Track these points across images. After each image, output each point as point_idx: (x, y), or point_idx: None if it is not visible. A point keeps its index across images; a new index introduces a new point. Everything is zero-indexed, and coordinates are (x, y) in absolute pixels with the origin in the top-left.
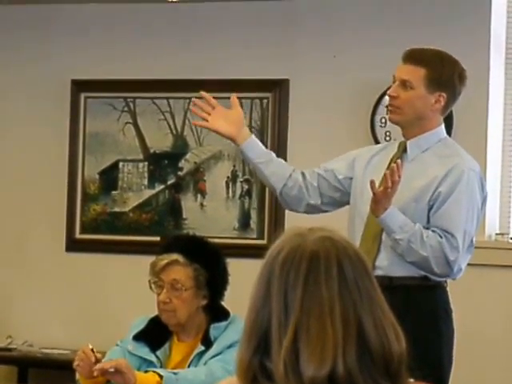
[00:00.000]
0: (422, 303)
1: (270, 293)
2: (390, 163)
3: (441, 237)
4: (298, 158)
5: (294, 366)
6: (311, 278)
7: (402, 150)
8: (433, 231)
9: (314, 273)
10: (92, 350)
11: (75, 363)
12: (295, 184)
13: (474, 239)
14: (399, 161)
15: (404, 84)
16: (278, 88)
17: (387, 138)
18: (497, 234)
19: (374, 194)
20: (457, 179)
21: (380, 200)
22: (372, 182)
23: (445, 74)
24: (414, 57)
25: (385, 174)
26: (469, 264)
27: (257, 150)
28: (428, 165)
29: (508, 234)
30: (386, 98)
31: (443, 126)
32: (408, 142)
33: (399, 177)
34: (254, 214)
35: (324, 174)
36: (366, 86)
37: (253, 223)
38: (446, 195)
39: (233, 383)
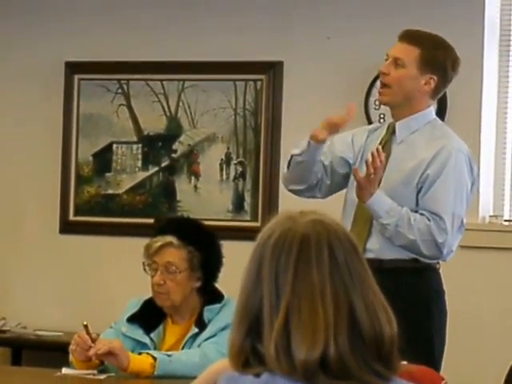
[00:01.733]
0: (413, 285)
1: (262, 276)
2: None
3: (429, 220)
4: (292, 139)
5: (286, 349)
6: (302, 261)
7: (391, 131)
8: (421, 214)
9: (305, 256)
10: (86, 326)
11: (71, 347)
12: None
13: (465, 220)
14: (379, 146)
15: (396, 62)
16: (272, 70)
17: (381, 121)
18: (490, 217)
19: (357, 181)
20: (444, 161)
21: (364, 186)
22: (354, 170)
23: (438, 56)
24: (409, 36)
25: (366, 161)
26: (462, 246)
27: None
28: (416, 147)
29: (502, 216)
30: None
31: (432, 108)
32: (397, 124)
33: (381, 162)
34: (247, 197)
35: (334, 160)
36: (360, 67)
37: (247, 205)
38: (434, 177)
39: (226, 365)
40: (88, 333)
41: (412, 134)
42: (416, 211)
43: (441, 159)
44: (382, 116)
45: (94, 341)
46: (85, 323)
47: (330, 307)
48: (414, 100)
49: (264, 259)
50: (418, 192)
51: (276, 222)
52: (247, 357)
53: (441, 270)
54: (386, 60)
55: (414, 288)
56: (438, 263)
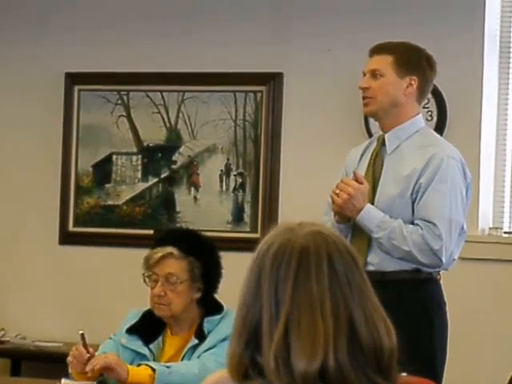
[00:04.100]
0: (414, 297)
1: (261, 288)
2: (370, 159)
3: (422, 228)
4: (292, 151)
5: (285, 361)
6: (301, 273)
7: (381, 143)
8: (416, 224)
9: (305, 267)
10: (83, 335)
11: (69, 359)
12: None
13: (465, 226)
14: (346, 176)
15: (374, 74)
16: (272, 81)
17: (381, 132)
18: (490, 228)
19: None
20: (436, 168)
21: (338, 212)
22: (332, 198)
23: (412, 57)
24: (379, 48)
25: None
26: (462, 258)
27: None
28: (407, 156)
29: (501, 228)
30: None
31: (421, 115)
32: (386, 135)
33: (360, 183)
34: (247, 208)
35: None
36: (359, 79)
37: (246, 216)
38: (426, 185)
39: (225, 376)
40: (84, 343)
41: (402, 143)
42: (412, 222)
43: (432, 167)
44: None
45: (90, 352)
46: (81, 332)
47: (330, 319)
48: (400, 106)
49: (263, 271)
50: (414, 202)
51: (275, 234)
52: (246, 368)
53: (441, 281)
54: (364, 77)
55: (416, 300)
56: (439, 274)
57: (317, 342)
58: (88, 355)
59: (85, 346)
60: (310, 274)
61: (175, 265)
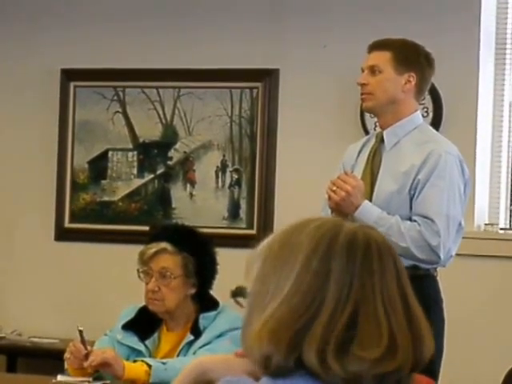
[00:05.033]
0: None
1: (329, 278)
2: (368, 155)
3: (419, 225)
4: (288, 147)
5: (341, 353)
6: (378, 268)
7: (380, 140)
8: (413, 221)
9: (377, 261)
10: (81, 331)
11: (66, 355)
12: None
13: (463, 223)
14: (343, 173)
15: (372, 70)
16: (267, 78)
17: (377, 128)
18: (486, 225)
19: (331, 208)
20: (434, 164)
21: (335, 209)
22: (328, 194)
23: (410, 54)
24: (378, 44)
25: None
26: (458, 254)
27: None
28: (406, 153)
29: (497, 224)
30: None
31: (419, 112)
32: (384, 132)
33: (350, 186)
34: (243, 204)
35: None
36: (355, 75)
37: (242, 213)
38: (424, 181)
39: (211, 361)
40: (82, 339)
41: (400, 140)
42: (410, 218)
43: (430, 163)
44: (377, 124)
45: (87, 348)
46: (80, 328)
47: (398, 316)
48: (398, 103)
49: (333, 262)
50: (412, 198)
51: (335, 226)
52: (292, 341)
53: (438, 278)
54: (362, 73)
55: None
56: (436, 270)
57: (380, 337)
58: (86, 352)
59: (83, 342)
60: (385, 269)
61: (169, 260)
